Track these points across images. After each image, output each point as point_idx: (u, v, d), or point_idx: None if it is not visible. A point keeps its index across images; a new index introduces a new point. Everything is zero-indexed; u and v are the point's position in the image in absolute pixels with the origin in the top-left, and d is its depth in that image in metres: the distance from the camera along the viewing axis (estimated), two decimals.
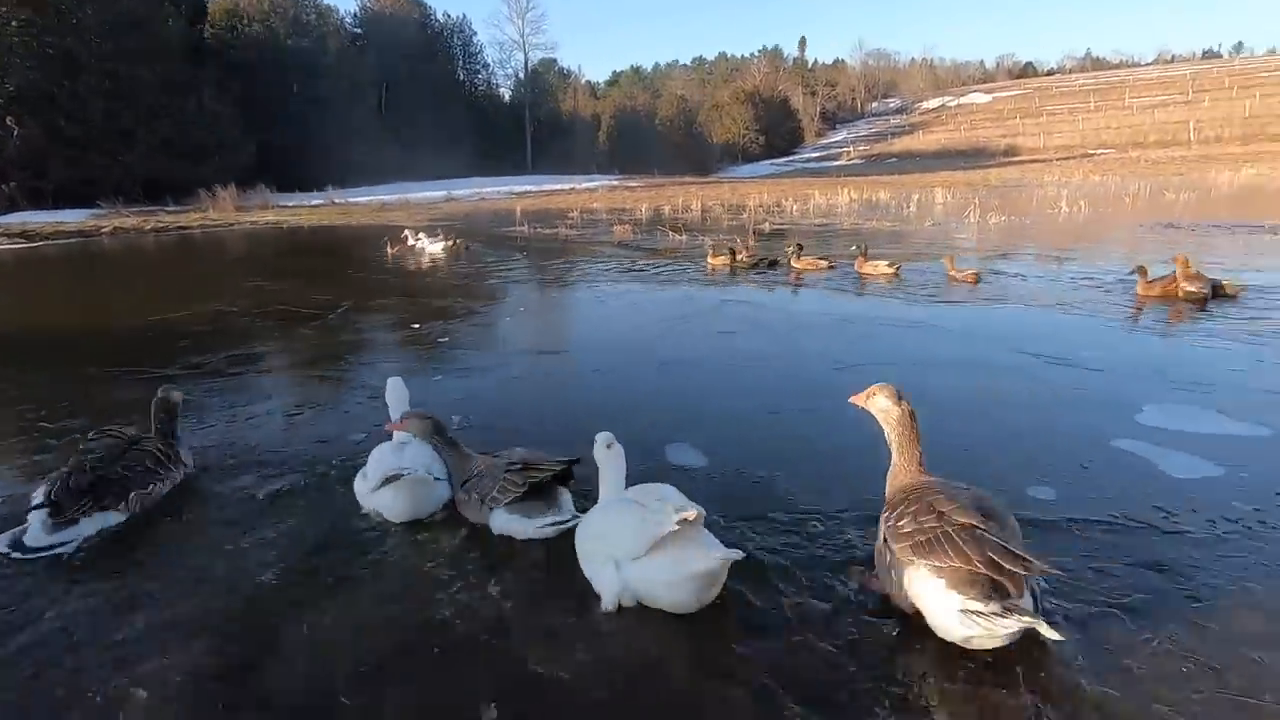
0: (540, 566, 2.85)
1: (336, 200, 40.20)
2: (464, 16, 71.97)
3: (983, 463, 3.66)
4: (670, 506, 2.43)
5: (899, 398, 2.64)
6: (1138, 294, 7.79)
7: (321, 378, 5.83)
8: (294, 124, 50.74)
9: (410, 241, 15.74)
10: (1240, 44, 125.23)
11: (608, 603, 2.48)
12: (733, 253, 11.32)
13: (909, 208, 23.01)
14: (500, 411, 4.78)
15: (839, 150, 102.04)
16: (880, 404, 2.67)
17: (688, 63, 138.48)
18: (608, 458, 2.83)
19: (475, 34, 71.07)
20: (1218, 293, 7.50)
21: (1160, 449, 3.72)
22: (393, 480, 3.07)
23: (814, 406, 4.64)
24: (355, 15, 62.35)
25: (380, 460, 3.26)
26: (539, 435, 4.26)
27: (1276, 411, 4.21)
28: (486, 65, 73.61)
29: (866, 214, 21.43)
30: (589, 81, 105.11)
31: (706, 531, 2.49)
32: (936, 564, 2.13)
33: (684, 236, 16.15)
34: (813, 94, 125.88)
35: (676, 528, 2.34)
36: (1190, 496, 3.21)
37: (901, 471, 2.61)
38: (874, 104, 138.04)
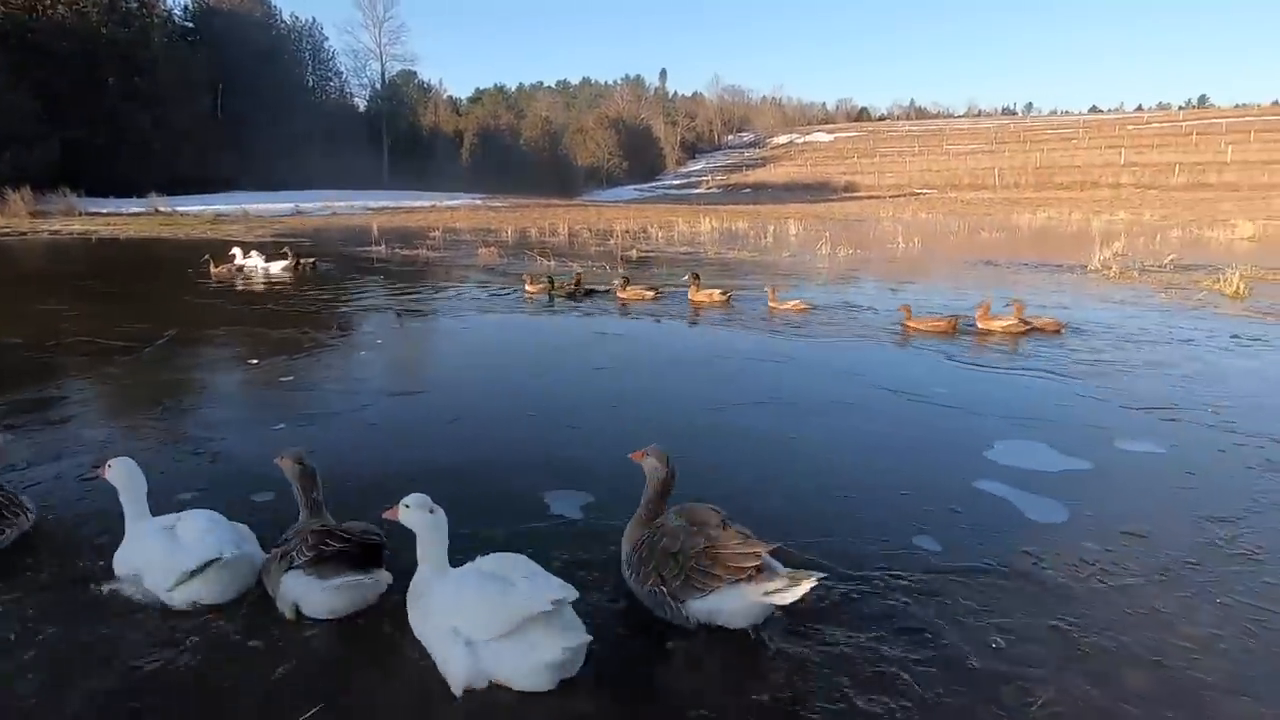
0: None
1: (162, 209, 36.05)
2: (314, 20, 67.57)
3: (866, 510, 3.70)
4: (543, 583, 2.33)
5: (667, 462, 2.92)
6: (978, 327, 8.41)
7: (130, 428, 4.95)
8: (108, 122, 45.03)
9: (240, 261, 14.19)
10: (1030, 104, 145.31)
11: (457, 687, 2.28)
12: (551, 281, 11.48)
13: (766, 238, 24.25)
14: (350, 466, 4.23)
15: (699, 179, 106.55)
16: (650, 464, 2.93)
17: (552, 85, 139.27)
18: (428, 523, 2.53)
19: (327, 39, 67.29)
20: (1041, 330, 8.35)
21: (1016, 490, 3.96)
22: (211, 564, 2.73)
23: (692, 453, 4.54)
24: (185, 8, 56.79)
25: (165, 549, 2.84)
26: (393, 492, 3.81)
27: (1097, 445, 4.65)
28: (340, 73, 69.81)
29: (728, 243, 22.29)
30: (451, 97, 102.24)
31: (568, 606, 2.35)
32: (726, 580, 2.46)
33: (551, 261, 15.90)
34: (673, 123, 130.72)
35: (551, 608, 2.21)
36: (1050, 541, 3.41)
37: (641, 522, 2.89)
38: (730, 136, 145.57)
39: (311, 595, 2.65)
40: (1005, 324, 8.26)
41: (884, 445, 4.74)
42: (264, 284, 12.38)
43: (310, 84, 65.38)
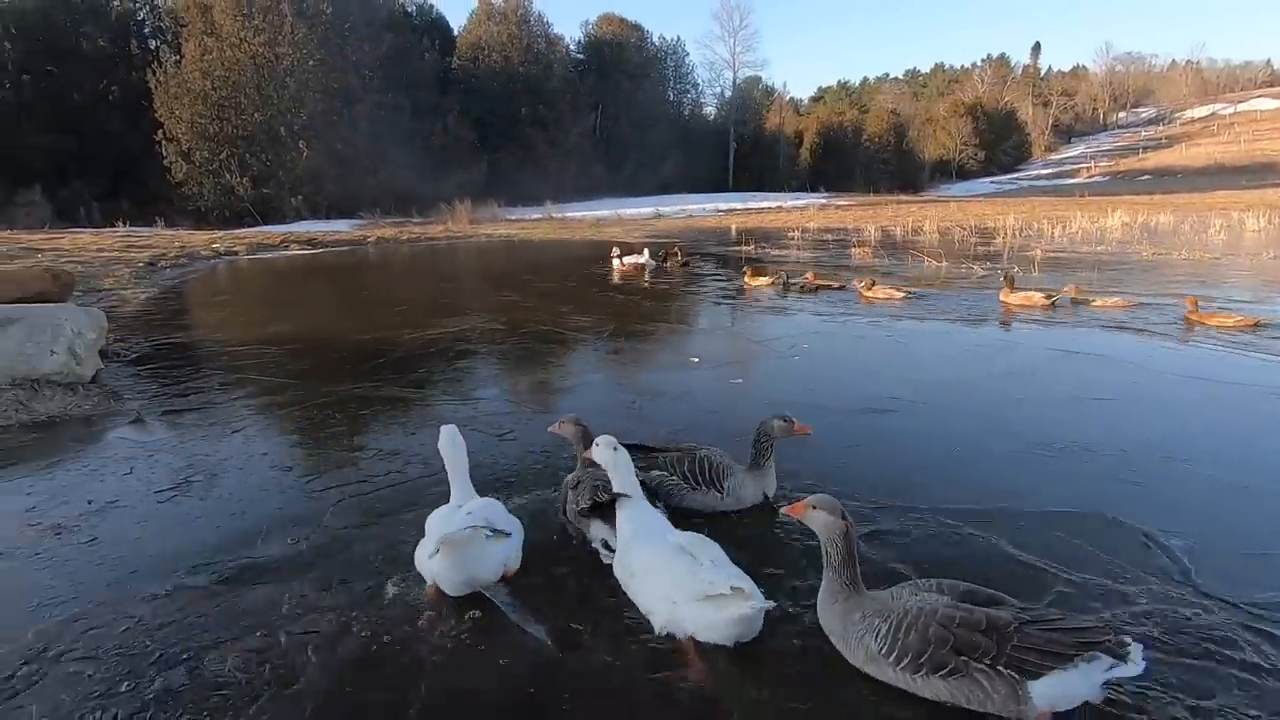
0: None
1: (554, 215, 42.37)
2: (678, 39, 73.54)
3: None
4: (725, 570, 2.65)
5: (842, 514, 2.49)
6: None
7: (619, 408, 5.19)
8: (518, 144, 54.70)
9: (639, 259, 15.48)
10: None
11: (658, 629, 2.67)
12: (786, 277, 11.67)
13: (1208, 234, 18.96)
14: (863, 490, 3.74)
15: (1075, 166, 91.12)
16: (822, 519, 2.51)
17: (899, 75, 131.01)
18: (614, 460, 3.08)
19: (688, 55, 72.39)
20: None
21: None
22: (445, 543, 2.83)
23: None
24: (579, 41, 66.13)
25: (436, 522, 3.05)
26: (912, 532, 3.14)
27: None
28: (696, 85, 74.71)
29: (1155, 241, 17.89)
30: (793, 98, 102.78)
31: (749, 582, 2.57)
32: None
33: (942, 263, 14.26)
34: (1045, 105, 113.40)
35: (729, 593, 2.50)
36: None
37: (841, 595, 2.48)
38: (1121, 114, 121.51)
39: (601, 533, 3.19)
40: None
41: None
42: (659, 280, 13.20)
43: (670, 98, 71.14)
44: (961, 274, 12.59)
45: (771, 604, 2.52)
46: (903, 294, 10.18)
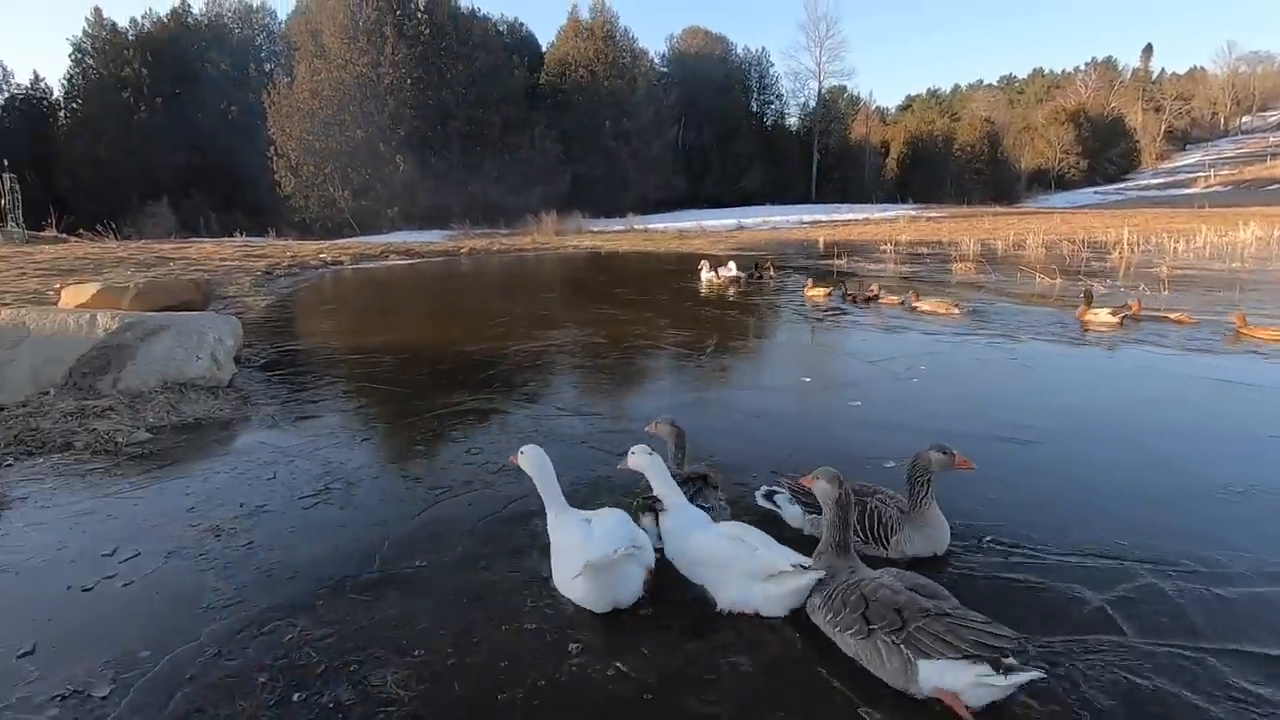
0: None
1: (636, 227, 42.70)
2: (763, 49, 73.03)
3: None
4: (777, 551, 2.94)
5: (839, 483, 2.89)
6: None
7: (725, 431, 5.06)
8: (601, 156, 55.54)
9: (732, 272, 15.30)
10: None
11: (724, 607, 2.94)
12: (843, 285, 12.00)
13: None
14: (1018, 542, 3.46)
15: (1191, 175, 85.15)
16: (821, 489, 2.94)
17: (994, 82, 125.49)
18: (650, 464, 3.32)
19: (772, 65, 71.77)
20: None
21: None
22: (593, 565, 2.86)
23: None
24: (663, 55, 66.68)
25: (573, 541, 3.06)
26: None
27: None
28: (780, 95, 73.88)
29: None
30: (879, 107, 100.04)
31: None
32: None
33: (1056, 280, 13.43)
34: (1156, 110, 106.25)
35: (789, 569, 2.81)
36: None
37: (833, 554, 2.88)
38: (1245, 119, 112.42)
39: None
40: None
41: None
42: (751, 293, 12.99)
43: (754, 109, 70.66)
44: (1078, 292, 11.81)
45: (821, 572, 2.82)
46: (957, 308, 10.02)
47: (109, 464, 4.75)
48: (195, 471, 4.62)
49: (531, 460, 3.30)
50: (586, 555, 2.84)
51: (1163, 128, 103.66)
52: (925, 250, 22.16)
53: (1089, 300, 9.17)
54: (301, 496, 4.18)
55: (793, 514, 3.62)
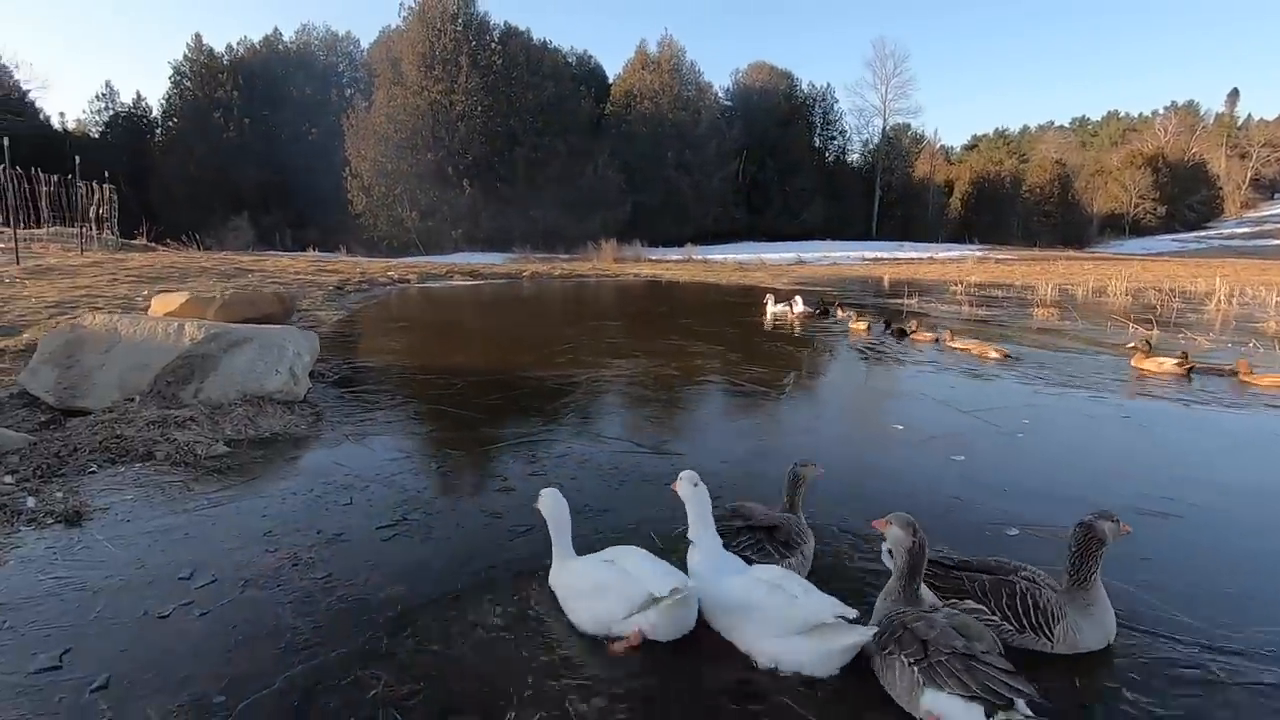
0: None
1: (695, 257, 42.61)
2: (828, 85, 72.86)
3: None
4: (819, 599, 2.71)
5: (914, 531, 2.79)
6: None
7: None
8: (663, 186, 55.94)
9: (800, 308, 14.90)
10: None
11: (762, 664, 2.72)
12: (898, 328, 11.79)
13: None
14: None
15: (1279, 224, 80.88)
16: (894, 535, 2.83)
17: (1065, 123, 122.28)
18: (694, 495, 3.18)
19: (836, 101, 71.48)
20: None
21: None
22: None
23: None
24: (728, 89, 67.14)
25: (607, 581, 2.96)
26: None
27: None
28: (843, 131, 73.39)
29: None
30: (944, 146, 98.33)
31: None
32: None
33: (1154, 331, 12.58)
34: (1242, 157, 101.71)
35: (834, 620, 2.58)
36: None
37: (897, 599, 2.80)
38: None
39: None
40: None
41: None
42: (817, 330, 12.55)
43: (816, 144, 70.33)
44: (1178, 345, 10.99)
45: (872, 630, 2.61)
46: (997, 353, 9.67)
47: (188, 477, 4.67)
48: (272, 491, 4.49)
49: (547, 504, 3.34)
50: (650, 588, 2.80)
51: (1249, 175, 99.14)
52: (999, 293, 21.30)
53: (1147, 351, 9.04)
54: (380, 526, 3.99)
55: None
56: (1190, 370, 8.58)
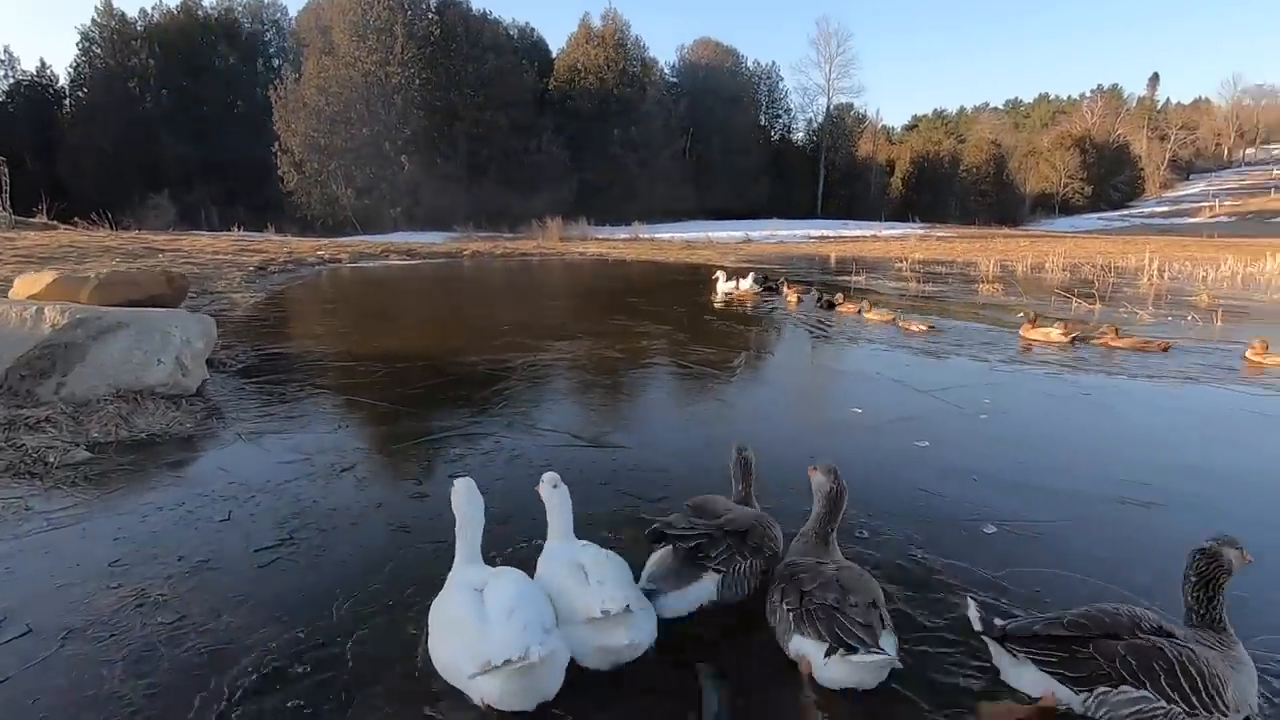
0: None
1: (643, 235, 41.94)
2: (773, 64, 72.69)
3: None
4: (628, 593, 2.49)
5: (836, 477, 2.89)
6: None
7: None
8: (609, 164, 54.94)
9: (748, 286, 14.49)
10: None
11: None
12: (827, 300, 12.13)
13: None
14: None
15: (1195, 204, 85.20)
16: (817, 480, 2.93)
17: (1000, 105, 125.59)
18: (554, 497, 2.89)
19: (781, 80, 71.39)
20: None
21: None
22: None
23: None
24: (674, 66, 66.23)
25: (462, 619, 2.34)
26: None
27: None
28: (788, 110, 73.49)
29: None
30: (885, 126, 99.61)
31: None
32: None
33: (1097, 306, 12.63)
34: (1161, 139, 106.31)
35: (599, 616, 2.35)
36: None
37: (810, 542, 2.89)
38: (1249, 150, 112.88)
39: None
40: None
41: None
42: (766, 308, 12.17)
43: (762, 122, 70.22)
44: (1123, 320, 11.01)
45: (638, 645, 2.45)
46: (919, 326, 9.90)
47: (30, 491, 3.88)
48: (132, 507, 3.74)
49: (461, 497, 2.78)
50: (487, 653, 2.10)
51: (1167, 156, 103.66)
52: (943, 270, 21.40)
53: (1034, 323, 9.25)
54: (259, 549, 3.32)
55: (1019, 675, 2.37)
56: (1074, 339, 8.84)
